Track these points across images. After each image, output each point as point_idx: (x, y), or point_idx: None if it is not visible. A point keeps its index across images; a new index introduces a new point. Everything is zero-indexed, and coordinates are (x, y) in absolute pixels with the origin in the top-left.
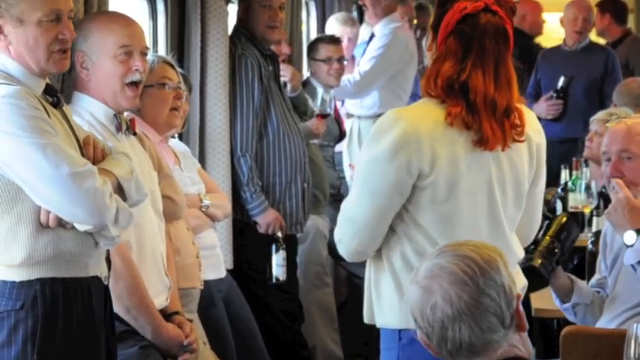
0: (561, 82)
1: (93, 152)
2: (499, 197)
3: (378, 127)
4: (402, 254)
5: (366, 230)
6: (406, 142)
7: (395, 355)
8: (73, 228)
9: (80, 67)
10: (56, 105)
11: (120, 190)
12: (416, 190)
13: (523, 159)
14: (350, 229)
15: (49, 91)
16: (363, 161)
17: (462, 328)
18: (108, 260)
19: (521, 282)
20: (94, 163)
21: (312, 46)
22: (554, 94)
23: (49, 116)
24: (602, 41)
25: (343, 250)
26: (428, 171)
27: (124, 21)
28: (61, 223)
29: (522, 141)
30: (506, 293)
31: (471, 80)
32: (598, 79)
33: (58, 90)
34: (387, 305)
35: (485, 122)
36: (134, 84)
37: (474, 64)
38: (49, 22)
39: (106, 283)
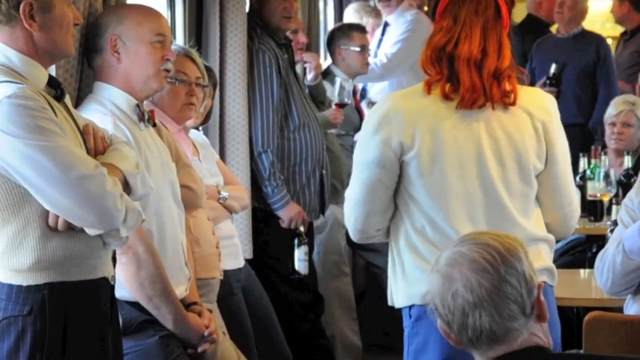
0: (553, 69)
1: (94, 142)
2: (494, 169)
3: (370, 111)
4: (405, 232)
5: (359, 206)
6: (387, 118)
7: (407, 331)
8: (82, 230)
9: (112, 51)
10: (60, 98)
11: (125, 185)
12: (404, 165)
13: (524, 133)
14: (348, 208)
15: (51, 83)
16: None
17: (482, 315)
18: (113, 259)
19: (542, 261)
20: (96, 153)
21: (343, 34)
22: (547, 82)
23: (55, 114)
24: (619, 29)
25: (350, 232)
26: (410, 144)
27: (155, 11)
28: (70, 227)
29: (513, 104)
30: (527, 282)
31: (457, 49)
32: (590, 64)
33: (75, 80)
34: (399, 284)
35: (466, 80)
36: (166, 70)
37: (462, 32)
38: None
39: (112, 283)
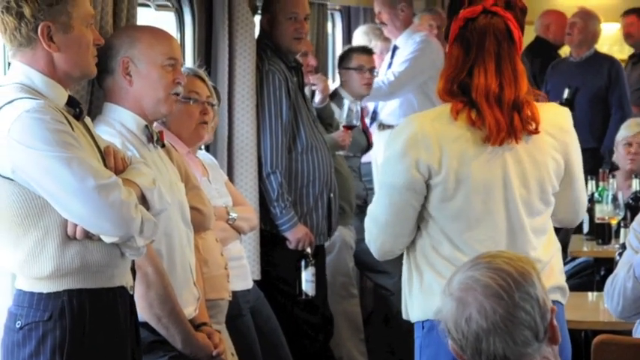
0: (566, 93)
1: (114, 162)
2: (518, 192)
3: (393, 132)
4: (424, 248)
5: (389, 228)
6: (415, 141)
7: (419, 342)
8: (100, 239)
9: (124, 73)
10: (78, 117)
11: (143, 200)
12: (429, 188)
13: (546, 155)
14: (375, 228)
15: (71, 102)
16: (380, 164)
17: (496, 342)
18: (133, 270)
19: (554, 280)
20: (116, 172)
21: (345, 56)
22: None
23: (72, 129)
24: (627, 52)
25: (373, 250)
26: (437, 168)
27: (167, 34)
28: (88, 235)
29: (537, 132)
30: (541, 307)
31: (472, 80)
32: (602, 88)
33: (85, 101)
34: (414, 299)
35: (489, 117)
36: (176, 94)
37: (475, 65)
38: None
39: (131, 292)
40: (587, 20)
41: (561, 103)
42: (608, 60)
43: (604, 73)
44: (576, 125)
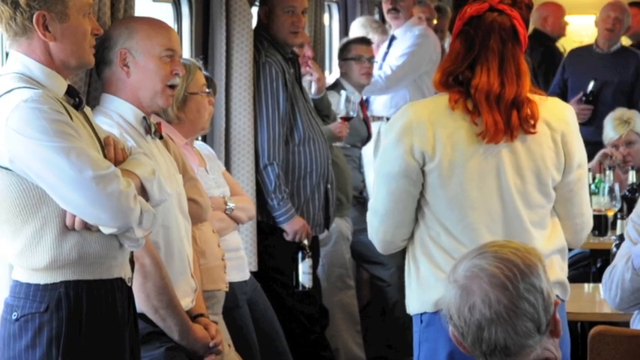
0: (591, 86)
1: (114, 153)
2: (513, 182)
3: (390, 120)
4: (420, 239)
5: (388, 218)
6: (409, 128)
7: (417, 337)
8: (98, 231)
9: (121, 65)
10: (78, 106)
11: (143, 191)
12: (424, 174)
13: (543, 146)
14: (375, 220)
15: (70, 92)
16: (378, 154)
17: (498, 331)
18: (132, 262)
19: (554, 275)
20: (116, 163)
21: (343, 48)
22: (584, 98)
23: (71, 119)
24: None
25: (376, 244)
26: (431, 154)
27: (166, 25)
28: (86, 226)
29: (534, 132)
30: (545, 299)
31: (473, 76)
32: (628, 83)
33: (83, 92)
34: (412, 291)
35: (487, 115)
36: (172, 86)
37: (478, 63)
38: None
39: (129, 284)
40: (626, 14)
41: (585, 95)
42: (635, 55)
43: (631, 68)
44: (600, 119)
